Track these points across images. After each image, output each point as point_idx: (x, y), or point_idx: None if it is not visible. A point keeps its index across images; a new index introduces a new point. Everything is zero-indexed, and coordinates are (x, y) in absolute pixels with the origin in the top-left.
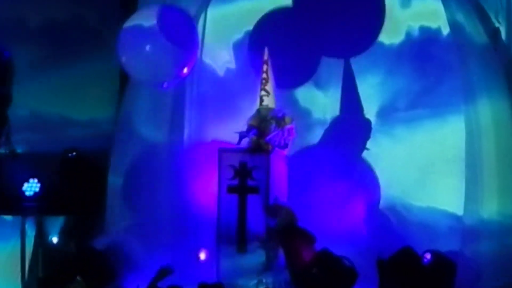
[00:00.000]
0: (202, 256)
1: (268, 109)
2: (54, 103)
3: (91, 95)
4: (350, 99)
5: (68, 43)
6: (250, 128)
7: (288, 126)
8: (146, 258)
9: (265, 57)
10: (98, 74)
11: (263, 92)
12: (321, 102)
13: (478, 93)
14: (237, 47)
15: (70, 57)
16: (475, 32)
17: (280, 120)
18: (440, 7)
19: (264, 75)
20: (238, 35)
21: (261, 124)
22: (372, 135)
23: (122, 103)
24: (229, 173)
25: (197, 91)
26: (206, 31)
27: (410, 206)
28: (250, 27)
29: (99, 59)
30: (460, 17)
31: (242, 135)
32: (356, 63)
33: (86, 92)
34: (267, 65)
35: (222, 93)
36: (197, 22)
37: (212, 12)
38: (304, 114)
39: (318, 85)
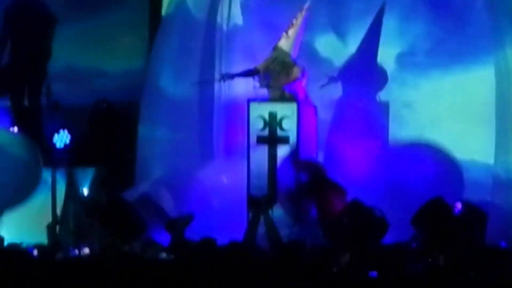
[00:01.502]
0: None
1: (283, 52)
2: (84, 54)
3: (121, 46)
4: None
5: None
6: (252, 70)
7: (295, 76)
8: (177, 209)
9: (305, 5)
10: (127, 24)
11: (284, 34)
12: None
13: (508, 38)
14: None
15: (99, 8)
16: None
17: (287, 68)
18: None
19: (294, 20)
20: None
21: (268, 67)
22: (395, 83)
23: (151, 54)
24: (258, 124)
25: (226, 46)
26: None
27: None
28: None
29: (128, 8)
30: None
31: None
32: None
33: (116, 43)
34: (301, 13)
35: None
36: None
37: None
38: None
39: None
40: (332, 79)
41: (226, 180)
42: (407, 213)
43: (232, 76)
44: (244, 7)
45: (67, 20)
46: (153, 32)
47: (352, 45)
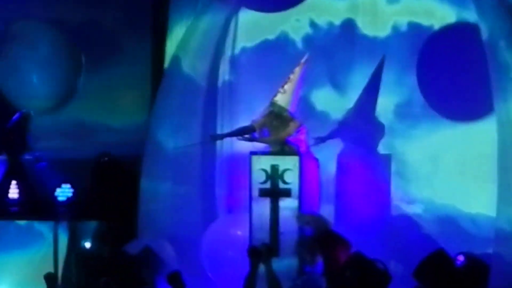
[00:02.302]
0: None
1: (279, 107)
2: (86, 109)
3: (123, 100)
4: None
5: (99, 49)
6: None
7: (291, 131)
8: (179, 263)
9: (302, 60)
10: (130, 80)
11: (280, 89)
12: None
13: (510, 91)
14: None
15: (101, 63)
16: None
17: (285, 122)
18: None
19: (291, 75)
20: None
21: (265, 122)
22: (395, 135)
23: (153, 109)
24: (260, 177)
25: (229, 100)
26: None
27: (442, 208)
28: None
29: (131, 63)
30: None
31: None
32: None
33: (118, 98)
34: (299, 67)
35: (257, 95)
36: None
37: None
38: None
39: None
40: (319, 139)
41: (240, 232)
42: (409, 266)
43: (225, 136)
44: (242, 64)
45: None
46: (156, 87)
47: (349, 98)
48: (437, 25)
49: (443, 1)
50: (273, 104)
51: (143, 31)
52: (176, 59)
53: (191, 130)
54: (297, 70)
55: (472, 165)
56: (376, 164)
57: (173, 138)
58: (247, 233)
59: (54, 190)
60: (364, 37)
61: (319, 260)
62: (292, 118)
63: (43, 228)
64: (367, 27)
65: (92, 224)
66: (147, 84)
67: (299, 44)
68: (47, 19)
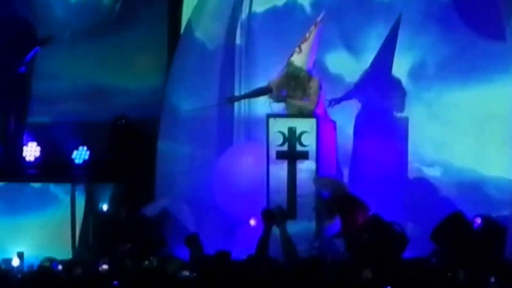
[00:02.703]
0: (253, 222)
1: (296, 67)
2: (102, 71)
3: (140, 63)
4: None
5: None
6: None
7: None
8: (197, 225)
9: (318, 19)
10: (146, 41)
11: (296, 49)
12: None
13: None
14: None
15: (117, 25)
16: None
17: (303, 82)
18: None
19: (307, 35)
20: None
21: (283, 82)
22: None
23: (169, 72)
24: (278, 139)
25: (246, 59)
26: None
27: (460, 171)
28: None
29: (147, 26)
30: None
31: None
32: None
33: (135, 60)
34: (314, 27)
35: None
36: None
37: None
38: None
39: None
40: (334, 101)
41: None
42: (427, 228)
43: (242, 98)
44: (258, 25)
45: (86, 38)
46: (172, 50)
47: (363, 60)
48: None
49: None
50: (289, 64)
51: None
52: (192, 22)
53: (208, 93)
54: (313, 29)
55: (488, 128)
56: (393, 127)
57: (189, 101)
58: (260, 161)
59: (71, 153)
60: None
61: (337, 222)
62: (310, 76)
63: (60, 190)
64: None
65: (109, 187)
66: (164, 46)
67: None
68: None
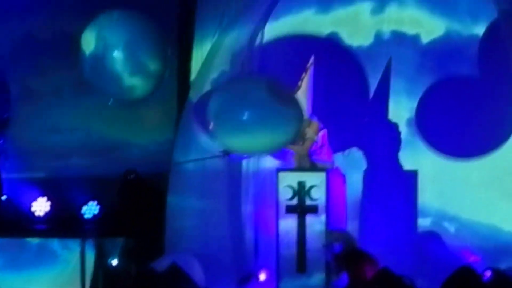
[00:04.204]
0: (262, 277)
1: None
2: (113, 125)
3: (149, 117)
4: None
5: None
6: None
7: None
8: (207, 280)
9: (308, 64)
10: (155, 96)
11: None
12: None
13: None
14: None
15: None
16: None
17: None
18: None
19: (299, 82)
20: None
21: None
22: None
23: (179, 125)
24: (287, 193)
25: None
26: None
27: (469, 223)
28: None
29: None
30: None
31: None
32: None
33: (144, 114)
34: (306, 72)
35: None
36: (256, 39)
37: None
38: None
39: None
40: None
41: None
42: (437, 282)
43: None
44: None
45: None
46: (181, 104)
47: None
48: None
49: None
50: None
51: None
52: (201, 75)
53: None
54: (304, 75)
55: (501, 180)
56: (402, 181)
57: (198, 155)
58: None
59: (81, 207)
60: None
61: (345, 276)
62: (310, 120)
63: (70, 245)
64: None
65: (119, 241)
66: (173, 101)
67: None
68: None
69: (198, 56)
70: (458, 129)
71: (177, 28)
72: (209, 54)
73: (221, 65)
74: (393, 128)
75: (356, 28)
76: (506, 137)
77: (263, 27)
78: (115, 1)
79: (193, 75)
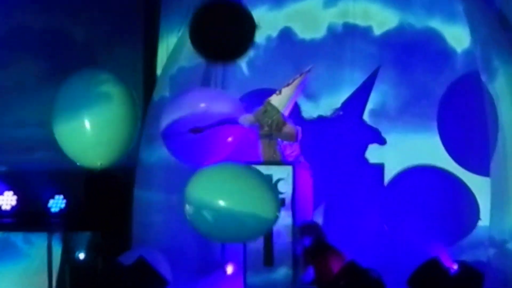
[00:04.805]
0: (229, 270)
1: (273, 107)
2: None
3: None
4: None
5: (91, 59)
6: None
7: (289, 133)
8: (173, 274)
9: (306, 69)
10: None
11: (277, 91)
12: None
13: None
14: None
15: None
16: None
17: (278, 124)
18: None
19: (290, 80)
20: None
21: (257, 119)
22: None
23: (145, 119)
24: None
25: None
26: None
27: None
28: None
29: (123, 75)
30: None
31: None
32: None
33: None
34: (302, 76)
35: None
36: None
37: None
38: None
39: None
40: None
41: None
42: (403, 274)
43: (207, 128)
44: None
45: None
46: (147, 98)
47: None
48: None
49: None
50: (267, 103)
51: (134, 41)
52: (166, 70)
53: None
54: (299, 78)
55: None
56: (368, 174)
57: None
58: None
59: (47, 202)
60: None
61: (311, 269)
62: (284, 122)
63: (35, 239)
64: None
65: (86, 235)
66: (139, 94)
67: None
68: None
69: (164, 51)
70: None
71: (143, 23)
72: (174, 49)
73: (184, 59)
74: (362, 123)
75: (308, 22)
76: None
77: None
78: None
79: (158, 70)
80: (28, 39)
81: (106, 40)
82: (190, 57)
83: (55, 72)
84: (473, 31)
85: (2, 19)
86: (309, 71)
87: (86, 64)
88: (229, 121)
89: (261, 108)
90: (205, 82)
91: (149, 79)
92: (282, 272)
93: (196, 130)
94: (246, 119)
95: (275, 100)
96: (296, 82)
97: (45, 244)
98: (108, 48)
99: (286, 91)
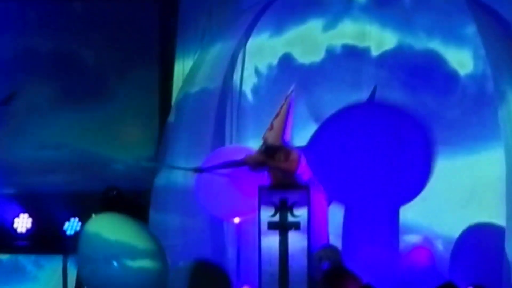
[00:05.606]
0: None
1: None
2: (94, 141)
3: (131, 133)
4: None
5: (107, 81)
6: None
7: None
8: None
9: (288, 91)
10: (137, 111)
11: (269, 125)
12: None
13: None
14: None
15: (109, 96)
16: None
17: (282, 154)
18: None
19: (278, 109)
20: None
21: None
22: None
23: (161, 141)
24: (269, 210)
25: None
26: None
27: (450, 240)
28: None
29: (139, 98)
30: None
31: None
32: None
33: (126, 130)
34: (287, 99)
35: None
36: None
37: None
38: None
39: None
40: None
41: None
42: None
43: (212, 168)
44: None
45: (76, 107)
46: (163, 120)
47: None
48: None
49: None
50: (264, 141)
51: (150, 64)
52: (183, 91)
53: (200, 161)
54: (284, 103)
55: (478, 197)
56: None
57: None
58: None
59: (63, 224)
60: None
61: None
62: (287, 149)
63: (52, 262)
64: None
65: None
66: (155, 117)
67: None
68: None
69: (180, 73)
70: None
71: (159, 46)
72: (191, 71)
73: (202, 81)
74: None
75: (308, 46)
76: None
77: (246, 42)
78: (94, 20)
79: (174, 92)
80: (40, 62)
81: (120, 63)
82: (206, 80)
83: (67, 95)
84: (488, 52)
85: (14, 42)
86: (292, 92)
87: (98, 87)
88: (237, 163)
89: (261, 148)
90: (221, 106)
91: (165, 102)
92: None
93: (199, 170)
94: (251, 159)
95: (270, 136)
96: (284, 108)
97: (56, 267)
98: (122, 71)
99: (277, 123)
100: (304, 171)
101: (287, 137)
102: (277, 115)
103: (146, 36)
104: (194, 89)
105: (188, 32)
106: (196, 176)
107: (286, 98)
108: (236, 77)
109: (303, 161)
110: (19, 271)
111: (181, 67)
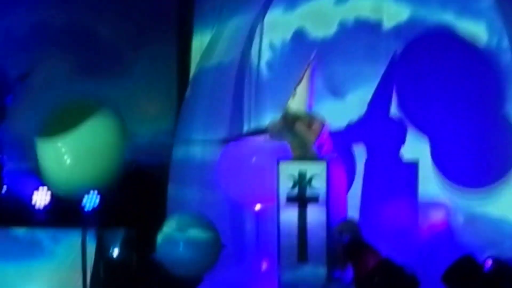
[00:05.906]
0: (263, 266)
1: (292, 112)
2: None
3: (149, 107)
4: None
5: (125, 54)
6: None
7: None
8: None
9: (311, 57)
10: (155, 85)
11: (292, 91)
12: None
13: None
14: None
15: (127, 71)
16: None
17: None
18: None
19: (301, 74)
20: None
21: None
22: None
23: (180, 115)
24: (288, 183)
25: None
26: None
27: (471, 212)
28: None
29: (156, 72)
30: None
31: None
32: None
33: (144, 104)
34: (309, 65)
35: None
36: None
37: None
38: None
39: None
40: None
41: None
42: (438, 271)
43: (237, 138)
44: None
45: (93, 81)
46: (182, 94)
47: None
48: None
49: None
50: (286, 109)
51: (168, 38)
52: (201, 66)
53: (218, 134)
54: (307, 69)
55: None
56: (402, 172)
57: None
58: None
59: (81, 198)
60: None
61: (348, 267)
62: (312, 118)
63: (70, 236)
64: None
65: (120, 232)
66: (173, 91)
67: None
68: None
69: (198, 47)
70: None
71: (176, 20)
72: (209, 45)
73: (220, 55)
74: (395, 122)
75: (320, 20)
76: None
77: (263, 17)
78: None
79: (192, 66)
80: (55, 36)
81: (137, 37)
82: (224, 53)
83: (84, 69)
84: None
85: (30, 16)
86: (313, 59)
87: (115, 61)
88: (260, 131)
89: (283, 116)
90: (239, 79)
91: (183, 77)
92: (316, 268)
93: (226, 140)
94: (274, 127)
95: (294, 103)
96: (307, 74)
97: (73, 241)
98: (140, 45)
99: (301, 89)
100: (324, 142)
101: (311, 103)
102: (300, 81)
103: (164, 10)
104: (212, 63)
105: (206, 6)
106: (220, 158)
107: (308, 65)
108: (254, 51)
109: (326, 131)
110: (35, 246)
111: (199, 41)
